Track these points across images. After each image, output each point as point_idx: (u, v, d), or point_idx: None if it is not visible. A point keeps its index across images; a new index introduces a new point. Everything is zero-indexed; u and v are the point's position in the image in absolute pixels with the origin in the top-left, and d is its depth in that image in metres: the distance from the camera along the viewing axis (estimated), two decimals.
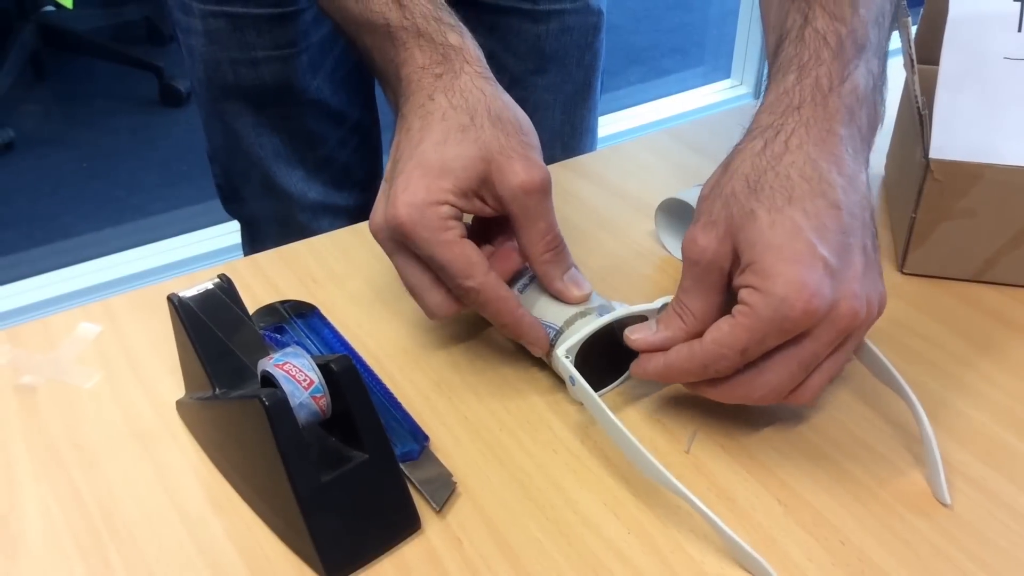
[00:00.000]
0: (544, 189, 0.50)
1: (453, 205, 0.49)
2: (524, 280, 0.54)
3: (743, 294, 0.43)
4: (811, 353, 0.44)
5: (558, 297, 0.51)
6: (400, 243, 0.50)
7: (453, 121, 0.50)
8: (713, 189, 0.47)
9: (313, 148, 0.87)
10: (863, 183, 0.46)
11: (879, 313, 0.45)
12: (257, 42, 0.78)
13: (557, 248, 0.51)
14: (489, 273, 0.49)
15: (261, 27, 0.78)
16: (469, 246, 0.49)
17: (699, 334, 0.45)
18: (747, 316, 0.43)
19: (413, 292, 0.51)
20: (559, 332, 0.51)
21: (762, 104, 0.49)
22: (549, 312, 0.52)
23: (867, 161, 0.47)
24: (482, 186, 0.50)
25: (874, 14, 0.47)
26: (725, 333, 0.44)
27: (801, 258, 0.42)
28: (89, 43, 2.71)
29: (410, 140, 0.51)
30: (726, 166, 0.47)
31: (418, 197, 0.48)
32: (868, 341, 0.49)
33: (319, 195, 0.88)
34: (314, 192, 0.88)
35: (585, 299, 0.51)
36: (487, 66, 0.54)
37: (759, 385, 0.45)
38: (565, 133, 0.93)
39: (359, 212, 0.93)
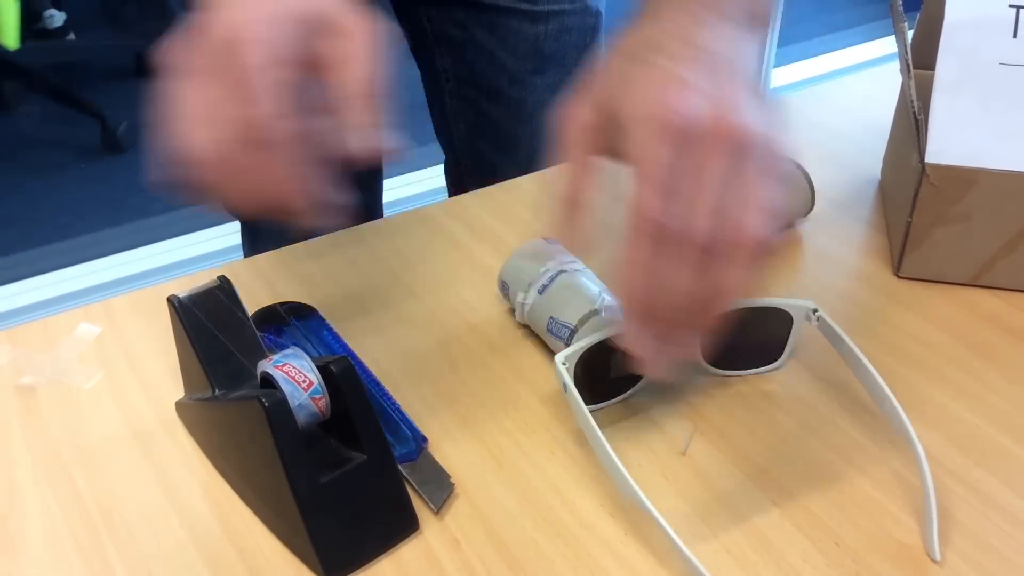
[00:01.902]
0: (373, 35, 0.45)
1: (289, 39, 0.43)
2: (543, 281, 0.54)
3: (626, 133, 0.42)
4: (714, 168, 0.41)
5: (353, 149, 0.45)
6: (209, 67, 0.43)
7: None
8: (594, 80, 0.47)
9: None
10: (734, 42, 0.45)
11: (771, 152, 0.42)
12: None
13: (370, 98, 0.45)
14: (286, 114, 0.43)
15: None
16: (279, 88, 0.43)
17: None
18: (635, 147, 0.41)
19: (196, 117, 0.43)
20: (573, 331, 0.52)
21: None
22: (565, 311, 0.53)
23: (739, 37, 0.46)
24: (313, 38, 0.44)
25: None
26: (637, 186, 0.41)
27: (665, 81, 0.42)
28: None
29: None
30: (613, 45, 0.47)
31: (258, 17, 0.43)
32: (882, 382, 0.49)
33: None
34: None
35: (383, 153, 0.45)
36: None
37: (689, 212, 0.41)
38: None
39: (359, 212, 0.93)
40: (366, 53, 0.45)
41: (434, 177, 2.12)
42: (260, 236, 0.93)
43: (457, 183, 1.03)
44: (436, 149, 1.06)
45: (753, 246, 0.41)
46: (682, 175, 0.41)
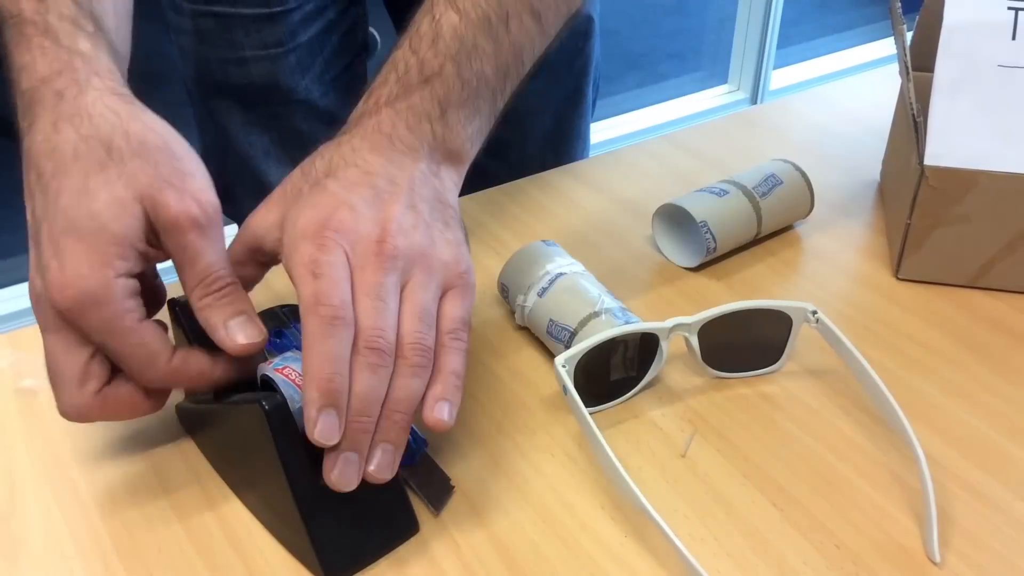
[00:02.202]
0: (199, 223, 0.43)
1: (126, 275, 0.42)
2: (543, 283, 0.54)
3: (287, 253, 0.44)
4: (369, 283, 0.42)
5: (220, 346, 0.44)
6: (64, 323, 0.42)
7: (88, 159, 0.42)
8: (289, 179, 0.49)
9: (303, 148, 0.86)
10: (411, 169, 0.47)
11: (441, 267, 0.44)
12: (245, 41, 0.79)
13: (220, 292, 0.44)
14: (172, 360, 0.43)
15: (248, 27, 0.79)
16: (150, 331, 0.43)
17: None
18: (294, 266, 0.42)
19: (60, 379, 0.43)
20: (573, 334, 0.52)
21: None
22: (565, 314, 0.53)
23: (421, 168, 0.47)
24: (149, 229, 0.43)
25: (453, 51, 0.48)
26: (302, 290, 0.41)
27: (329, 203, 0.44)
28: None
29: (46, 192, 0.42)
30: (313, 158, 0.49)
31: (82, 274, 0.41)
32: (881, 384, 0.49)
33: None
34: None
35: (246, 349, 0.44)
36: (123, 82, 0.47)
37: (361, 329, 0.41)
38: (556, 139, 0.94)
39: None
40: (197, 243, 0.44)
41: None
42: None
43: None
44: None
45: (412, 358, 0.42)
46: (338, 290, 0.41)
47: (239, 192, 0.90)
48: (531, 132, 0.91)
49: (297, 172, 0.48)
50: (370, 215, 0.43)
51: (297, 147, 0.86)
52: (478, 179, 0.98)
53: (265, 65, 0.80)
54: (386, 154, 0.46)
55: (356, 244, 0.43)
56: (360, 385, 0.40)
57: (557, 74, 0.89)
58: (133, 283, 0.42)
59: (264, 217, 0.47)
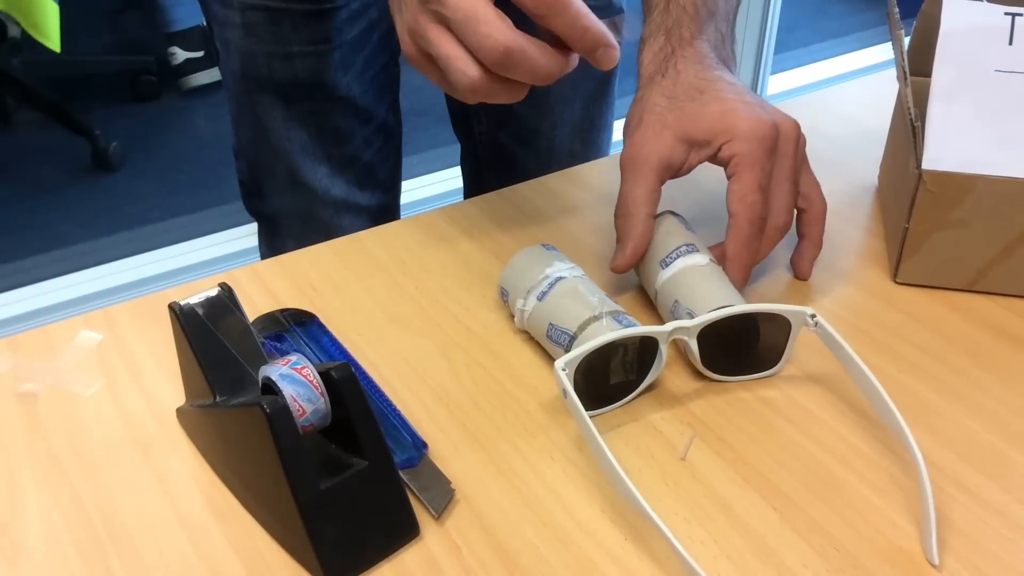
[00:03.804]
0: None
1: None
2: (543, 287, 0.55)
3: (726, 154, 0.56)
4: (789, 166, 0.57)
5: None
6: (436, 14, 0.51)
7: None
8: (636, 119, 0.60)
9: (339, 145, 0.88)
10: (735, 78, 0.61)
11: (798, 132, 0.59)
12: (293, 36, 0.80)
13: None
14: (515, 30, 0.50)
15: (298, 22, 0.79)
16: (500, 13, 0.50)
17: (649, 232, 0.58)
18: (741, 163, 0.56)
19: (484, 18, 0.50)
20: (573, 337, 0.52)
21: (642, 61, 0.63)
22: (564, 318, 0.53)
23: (733, 76, 0.62)
24: None
25: None
26: (742, 186, 0.55)
27: (738, 108, 0.57)
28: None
29: None
30: (639, 103, 0.61)
31: None
32: (880, 388, 0.49)
33: (342, 192, 0.90)
34: (337, 189, 0.90)
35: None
36: None
37: (777, 212, 0.57)
38: (585, 128, 0.95)
39: (380, 212, 0.95)
40: None
41: (451, 179, 2.13)
42: (280, 231, 0.94)
43: (475, 176, 1.03)
44: (450, 152, 1.07)
45: (822, 213, 0.62)
46: (772, 172, 0.57)
47: (270, 188, 0.91)
48: (561, 120, 0.92)
49: (659, 100, 0.59)
50: (765, 109, 0.58)
51: (332, 143, 0.88)
52: (507, 167, 0.99)
53: (311, 61, 0.81)
54: (720, 70, 0.60)
55: (779, 134, 0.56)
56: (768, 246, 0.58)
57: (588, 64, 0.91)
58: None
59: (657, 143, 0.58)
